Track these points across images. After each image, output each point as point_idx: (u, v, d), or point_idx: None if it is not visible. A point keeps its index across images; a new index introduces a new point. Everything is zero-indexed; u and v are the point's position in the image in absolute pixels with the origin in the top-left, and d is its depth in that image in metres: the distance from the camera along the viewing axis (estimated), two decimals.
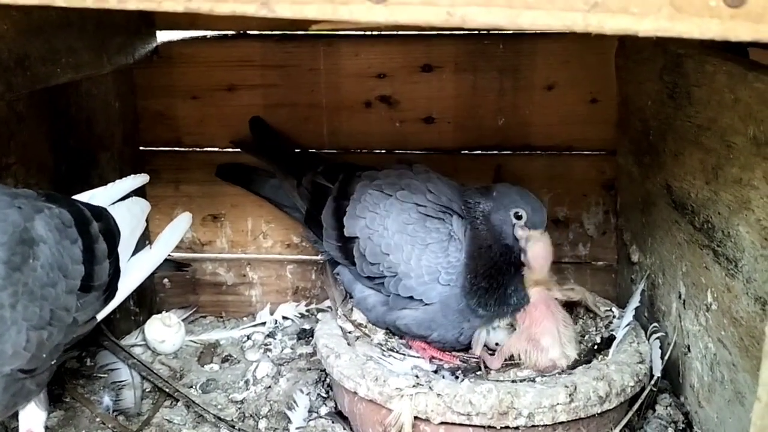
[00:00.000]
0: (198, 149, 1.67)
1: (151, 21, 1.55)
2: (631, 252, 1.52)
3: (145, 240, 1.31)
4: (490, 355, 1.34)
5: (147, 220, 1.68)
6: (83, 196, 1.19)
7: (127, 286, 1.18)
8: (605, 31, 0.63)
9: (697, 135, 1.11)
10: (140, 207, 1.28)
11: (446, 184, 1.34)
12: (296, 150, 1.62)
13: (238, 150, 1.63)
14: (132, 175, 1.33)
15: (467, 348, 1.36)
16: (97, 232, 1.09)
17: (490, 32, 1.57)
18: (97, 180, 1.55)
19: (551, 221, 1.65)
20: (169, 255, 1.32)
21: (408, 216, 1.27)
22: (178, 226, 1.35)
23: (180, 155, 1.68)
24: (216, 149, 1.66)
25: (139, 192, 1.66)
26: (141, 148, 1.66)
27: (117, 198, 1.24)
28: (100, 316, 1.13)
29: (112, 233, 1.14)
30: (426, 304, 1.27)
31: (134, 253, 1.22)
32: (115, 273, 1.12)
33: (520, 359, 1.30)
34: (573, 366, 1.25)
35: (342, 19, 0.64)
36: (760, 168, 0.91)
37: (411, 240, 1.25)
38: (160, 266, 1.28)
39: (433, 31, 1.58)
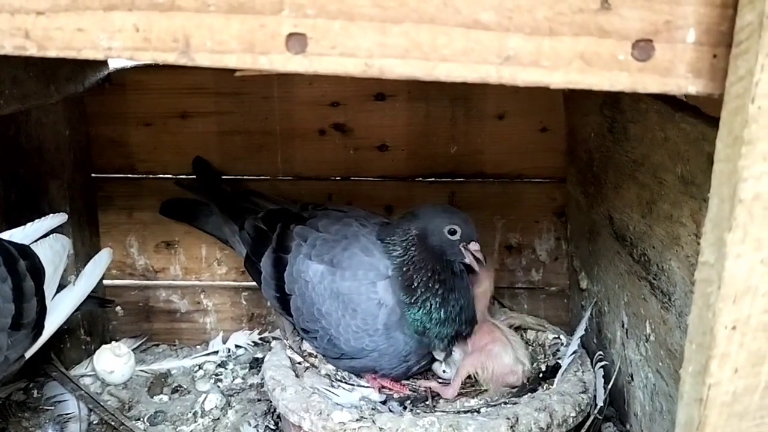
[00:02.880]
0: (151, 176, 1.66)
1: None
2: (580, 279, 1.54)
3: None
4: (442, 384, 1.35)
5: (99, 248, 1.69)
6: (2, 236, 1.19)
7: (53, 323, 1.17)
8: (518, 83, 0.65)
9: (633, 170, 1.14)
10: (62, 244, 1.27)
11: (375, 235, 1.31)
12: (245, 178, 1.63)
13: (192, 176, 1.62)
14: (51, 215, 1.32)
15: (424, 372, 1.37)
16: (24, 270, 1.08)
17: None
18: (47, 208, 1.53)
19: (504, 247, 1.68)
20: (93, 291, 1.31)
21: (338, 285, 1.28)
22: (99, 262, 1.35)
23: (133, 182, 1.67)
24: (169, 176, 1.65)
25: (92, 218, 1.67)
26: (93, 175, 1.65)
27: (36, 238, 1.23)
28: (28, 354, 1.12)
29: (38, 271, 1.13)
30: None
31: (58, 290, 1.22)
32: (41, 310, 1.12)
33: (477, 376, 1.31)
34: (520, 392, 1.27)
35: (262, 69, 0.65)
36: (687, 206, 0.93)
37: (343, 307, 1.27)
38: (84, 302, 1.27)
39: None
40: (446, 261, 1.27)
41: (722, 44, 0.62)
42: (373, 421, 1.11)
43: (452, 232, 1.26)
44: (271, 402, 1.37)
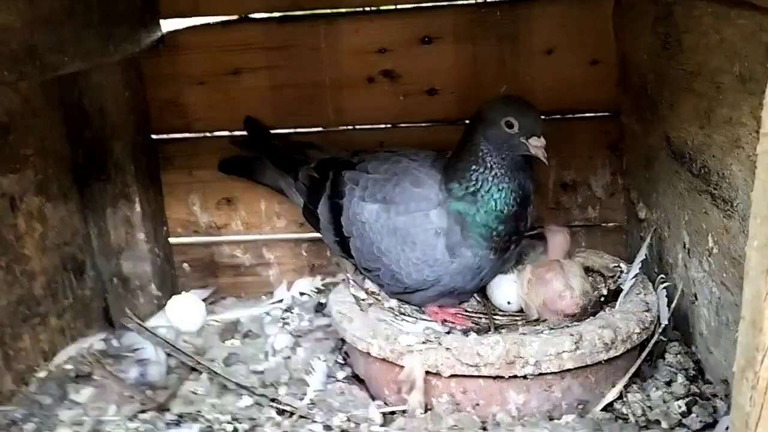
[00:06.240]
0: (208, 134, 1.71)
1: (155, 10, 1.59)
2: (638, 210, 1.53)
3: None
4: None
5: (163, 208, 1.75)
6: None
7: None
8: None
9: (689, 81, 1.13)
10: None
11: (424, 165, 1.32)
12: (298, 131, 1.67)
13: (246, 133, 1.67)
14: None
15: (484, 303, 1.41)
16: None
17: (487, 0, 1.59)
18: (112, 168, 1.61)
19: (559, 186, 1.67)
20: None
21: (393, 221, 1.29)
22: None
23: (191, 142, 1.72)
24: (225, 133, 1.70)
25: (155, 179, 1.72)
26: (153, 136, 1.71)
27: None
28: None
29: None
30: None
31: None
32: None
33: (532, 303, 1.33)
34: (582, 317, 1.27)
35: None
36: (747, 104, 0.92)
37: (401, 242, 1.28)
38: None
39: (430, 3, 1.60)
40: (512, 159, 1.21)
41: None
42: (440, 343, 1.13)
43: (509, 125, 1.20)
44: (339, 339, 1.41)
